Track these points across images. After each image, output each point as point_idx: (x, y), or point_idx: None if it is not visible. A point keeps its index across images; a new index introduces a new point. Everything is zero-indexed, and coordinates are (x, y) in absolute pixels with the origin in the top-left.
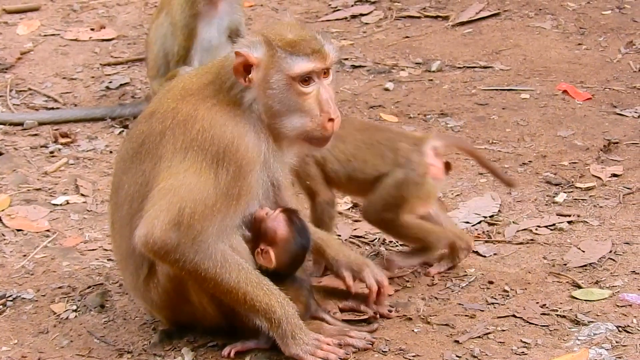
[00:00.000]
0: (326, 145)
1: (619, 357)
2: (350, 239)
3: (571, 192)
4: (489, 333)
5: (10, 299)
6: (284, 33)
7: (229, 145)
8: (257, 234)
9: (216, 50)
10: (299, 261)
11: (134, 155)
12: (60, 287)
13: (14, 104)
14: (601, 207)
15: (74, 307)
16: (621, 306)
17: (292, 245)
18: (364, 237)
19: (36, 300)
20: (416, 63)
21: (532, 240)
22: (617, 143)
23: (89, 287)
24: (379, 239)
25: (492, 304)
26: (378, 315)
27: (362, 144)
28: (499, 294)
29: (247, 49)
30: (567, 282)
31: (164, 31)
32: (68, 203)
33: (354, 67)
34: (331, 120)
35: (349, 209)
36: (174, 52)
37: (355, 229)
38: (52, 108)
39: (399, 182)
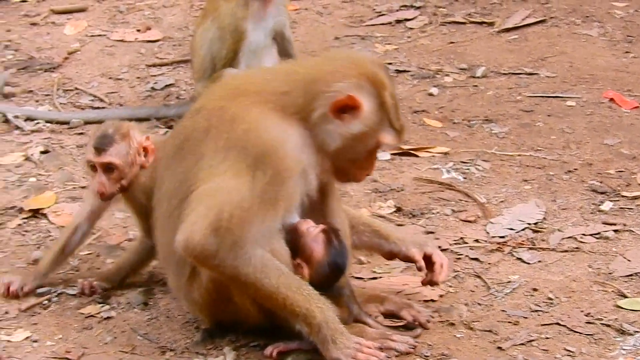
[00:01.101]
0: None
1: None
2: None
3: (617, 200)
4: (533, 340)
5: (55, 294)
6: (387, 88)
7: (270, 150)
8: (295, 246)
9: (262, 53)
10: (332, 280)
11: (177, 151)
12: None
13: (60, 103)
14: None
15: (118, 304)
16: None
17: (326, 268)
18: None
19: (80, 297)
20: (461, 69)
21: (577, 248)
22: None
23: (133, 284)
24: None
25: (536, 311)
26: (417, 323)
27: None
28: (543, 302)
29: (358, 95)
30: (613, 291)
31: (211, 36)
32: None
33: (398, 71)
34: (367, 175)
35: (392, 213)
36: (222, 56)
37: None
38: (98, 107)
39: None
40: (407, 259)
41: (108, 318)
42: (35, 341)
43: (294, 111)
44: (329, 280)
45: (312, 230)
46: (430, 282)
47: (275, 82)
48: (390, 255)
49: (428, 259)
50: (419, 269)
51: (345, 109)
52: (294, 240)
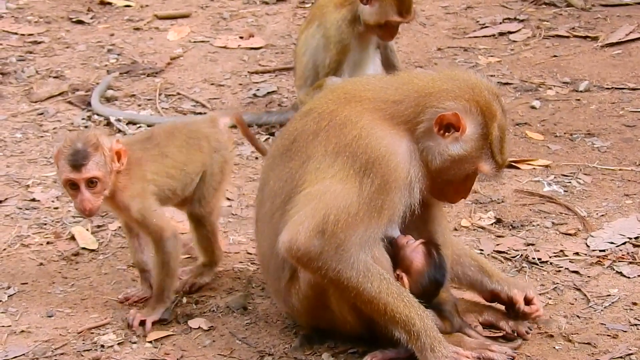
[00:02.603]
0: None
1: None
2: (493, 255)
3: None
4: (632, 354)
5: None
6: (499, 122)
7: (380, 158)
8: (395, 258)
9: (366, 63)
10: (431, 294)
11: (283, 152)
12: (203, 287)
13: (162, 108)
14: None
15: (217, 308)
16: None
17: (425, 279)
18: (506, 253)
19: (180, 299)
20: (563, 82)
21: None
22: None
23: (232, 288)
24: (522, 255)
25: (636, 325)
26: (515, 334)
27: (181, 148)
28: None
29: (464, 115)
30: None
31: (315, 43)
32: None
33: (501, 84)
34: (462, 198)
35: (492, 224)
36: (325, 65)
37: (497, 244)
38: (200, 113)
39: (221, 165)
40: (509, 299)
41: (207, 322)
42: (134, 343)
43: (402, 121)
44: (428, 293)
45: (412, 242)
46: (517, 331)
47: (390, 90)
48: (492, 295)
49: (528, 301)
50: (518, 310)
51: (449, 126)
52: (395, 253)
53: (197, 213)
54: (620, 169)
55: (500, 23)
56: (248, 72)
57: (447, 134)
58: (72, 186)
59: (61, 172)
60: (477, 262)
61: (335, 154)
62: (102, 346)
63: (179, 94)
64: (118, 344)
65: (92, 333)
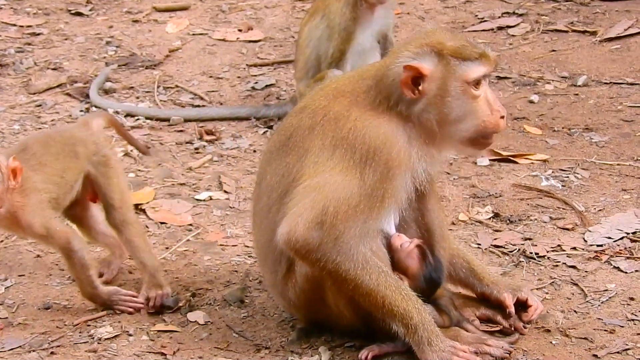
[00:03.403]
0: (490, 145)
1: None
2: (490, 249)
3: None
4: (629, 349)
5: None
6: (444, 41)
7: (380, 146)
8: (391, 261)
9: (367, 54)
10: (428, 293)
11: (280, 147)
12: (200, 280)
13: (161, 100)
14: None
15: (214, 301)
16: None
17: (422, 282)
18: (503, 247)
19: (177, 293)
20: (562, 77)
21: None
22: None
23: (229, 282)
24: (519, 249)
25: (633, 320)
26: (513, 329)
27: (57, 155)
28: None
29: (415, 61)
30: None
31: (319, 34)
32: (211, 199)
33: (499, 78)
34: (502, 117)
35: (489, 218)
36: (328, 55)
37: (495, 239)
38: (198, 105)
39: (105, 164)
40: (498, 302)
41: (204, 315)
42: (130, 335)
43: (384, 110)
44: (425, 293)
45: (405, 246)
46: (515, 326)
47: (359, 83)
48: (482, 296)
49: (522, 303)
50: (509, 315)
51: (415, 81)
52: (390, 255)
53: (115, 218)
54: (618, 164)
55: (499, 17)
56: (246, 64)
57: (420, 88)
58: None
59: None
60: (469, 264)
61: (333, 147)
62: (99, 338)
63: (177, 86)
64: (114, 336)
65: (89, 325)
